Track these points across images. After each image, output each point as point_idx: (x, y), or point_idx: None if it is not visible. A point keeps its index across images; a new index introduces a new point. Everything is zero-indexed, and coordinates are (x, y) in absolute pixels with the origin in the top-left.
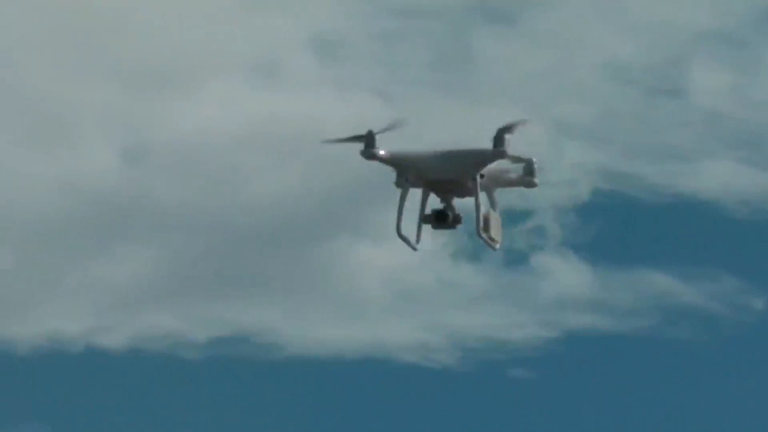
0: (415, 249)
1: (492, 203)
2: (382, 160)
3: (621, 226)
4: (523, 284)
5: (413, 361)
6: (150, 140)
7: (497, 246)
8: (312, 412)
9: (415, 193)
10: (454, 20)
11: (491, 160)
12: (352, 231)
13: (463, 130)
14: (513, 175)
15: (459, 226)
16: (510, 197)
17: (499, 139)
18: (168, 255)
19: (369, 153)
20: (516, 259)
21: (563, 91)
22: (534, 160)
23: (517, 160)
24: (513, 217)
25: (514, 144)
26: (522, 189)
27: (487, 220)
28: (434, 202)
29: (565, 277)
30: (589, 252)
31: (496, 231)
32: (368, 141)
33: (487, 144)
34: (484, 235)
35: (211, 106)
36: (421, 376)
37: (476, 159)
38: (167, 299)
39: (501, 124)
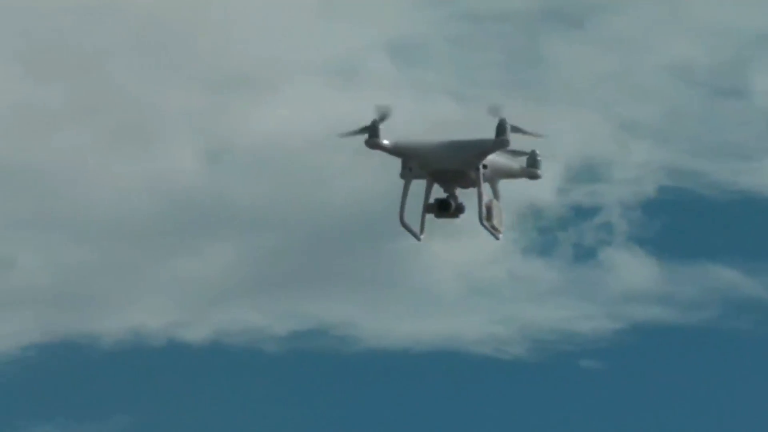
0: (419, 239)
1: (495, 194)
2: (385, 149)
3: (686, 221)
4: (592, 278)
5: (486, 353)
6: (232, 141)
7: (500, 235)
8: (388, 402)
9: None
10: (524, 24)
11: (493, 150)
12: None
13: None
14: (517, 167)
15: (462, 216)
16: (577, 195)
17: (501, 128)
18: (249, 252)
19: (372, 142)
20: (584, 254)
21: (630, 92)
22: (537, 151)
23: (520, 152)
24: (581, 214)
25: (579, 141)
26: (527, 180)
27: (489, 210)
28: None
29: (632, 271)
30: (655, 247)
31: (498, 220)
32: (372, 131)
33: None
34: (486, 224)
35: (290, 108)
36: (493, 366)
37: (478, 149)
38: (248, 294)
39: (513, 123)
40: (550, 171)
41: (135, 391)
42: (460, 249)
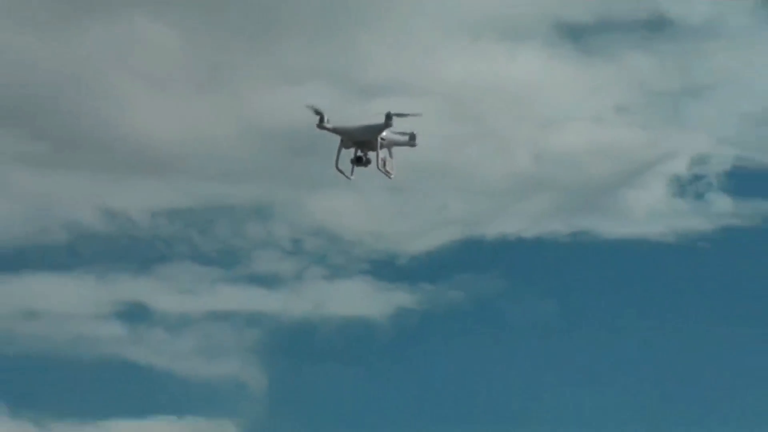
0: (349, 179)
1: (390, 153)
2: (328, 130)
3: None
4: None
5: None
6: None
7: (392, 176)
8: None
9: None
10: None
11: (384, 129)
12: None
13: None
14: (402, 140)
15: (370, 165)
16: None
17: (388, 117)
18: None
19: (320, 126)
20: None
21: None
22: (415, 133)
23: (404, 134)
24: None
25: None
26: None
27: (384, 161)
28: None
29: None
30: None
31: (390, 167)
32: (321, 119)
33: None
34: (381, 169)
35: None
36: None
37: (377, 129)
38: None
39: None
40: None
41: None
42: None
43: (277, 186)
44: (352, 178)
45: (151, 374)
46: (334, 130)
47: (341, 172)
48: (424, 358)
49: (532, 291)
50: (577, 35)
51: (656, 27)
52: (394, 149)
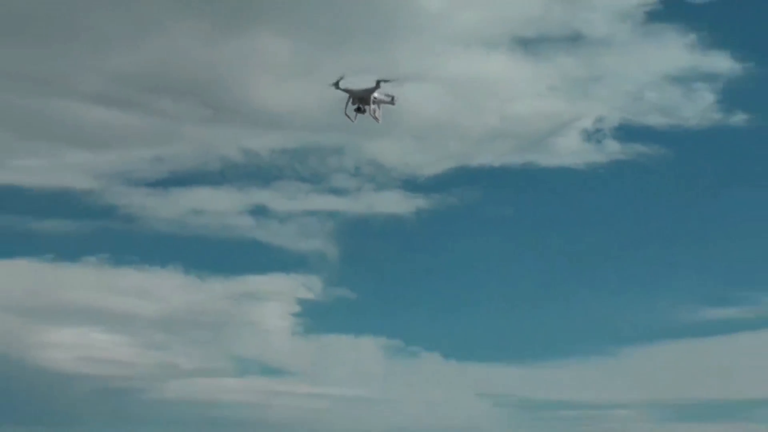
0: (353, 121)
1: (378, 107)
2: (341, 89)
3: None
4: None
5: None
6: None
7: (379, 122)
8: None
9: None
10: None
11: (375, 91)
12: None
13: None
14: (387, 100)
15: (366, 114)
16: None
17: (377, 83)
18: None
19: (336, 86)
20: None
21: None
22: (395, 96)
23: (388, 96)
24: None
25: None
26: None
27: (375, 111)
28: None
29: None
30: None
31: (378, 115)
32: (337, 81)
33: None
34: (372, 116)
35: None
36: None
37: (370, 90)
38: None
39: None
40: None
41: None
42: None
43: (347, 135)
44: (355, 121)
45: (269, 248)
46: (345, 90)
47: (348, 116)
48: (434, 239)
49: (498, 198)
50: (527, 45)
51: (574, 39)
52: (382, 105)
